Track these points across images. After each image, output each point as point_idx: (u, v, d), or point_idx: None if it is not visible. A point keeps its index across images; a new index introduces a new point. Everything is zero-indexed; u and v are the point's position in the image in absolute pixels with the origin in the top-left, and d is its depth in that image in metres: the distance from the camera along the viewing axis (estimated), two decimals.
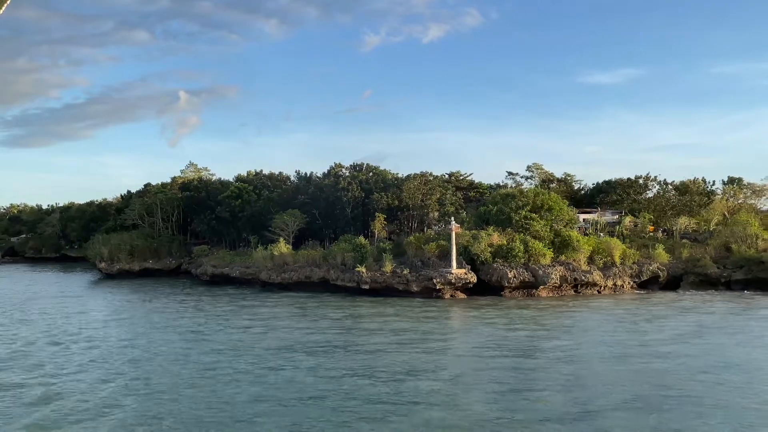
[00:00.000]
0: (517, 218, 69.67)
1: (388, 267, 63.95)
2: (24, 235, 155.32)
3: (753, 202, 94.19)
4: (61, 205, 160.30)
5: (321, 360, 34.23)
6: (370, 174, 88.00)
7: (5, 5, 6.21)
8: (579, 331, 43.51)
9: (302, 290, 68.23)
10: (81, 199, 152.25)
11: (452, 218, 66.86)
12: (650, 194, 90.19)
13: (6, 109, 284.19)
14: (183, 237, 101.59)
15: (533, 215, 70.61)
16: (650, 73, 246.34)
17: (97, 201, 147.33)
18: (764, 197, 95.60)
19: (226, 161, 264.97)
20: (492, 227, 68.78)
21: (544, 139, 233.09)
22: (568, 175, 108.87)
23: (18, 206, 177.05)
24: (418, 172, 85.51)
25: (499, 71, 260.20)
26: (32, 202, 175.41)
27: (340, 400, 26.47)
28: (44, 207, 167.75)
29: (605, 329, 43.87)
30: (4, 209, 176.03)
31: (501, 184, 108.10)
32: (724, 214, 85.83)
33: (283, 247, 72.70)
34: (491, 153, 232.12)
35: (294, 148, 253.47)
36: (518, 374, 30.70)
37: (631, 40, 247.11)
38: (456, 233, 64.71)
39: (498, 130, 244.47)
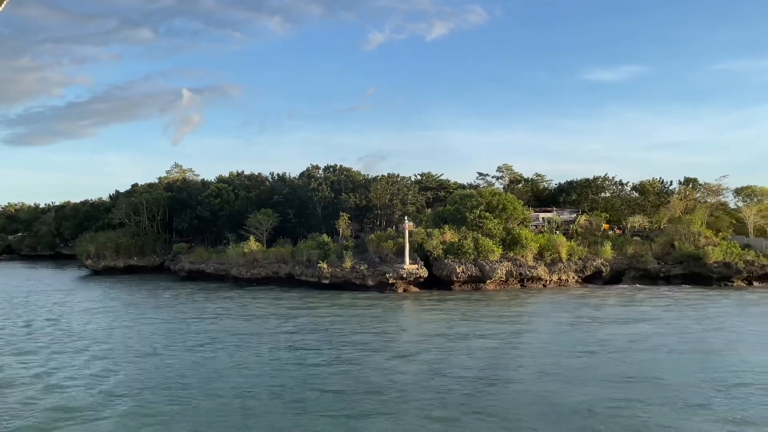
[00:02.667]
0: (472, 217, 74.33)
1: (348, 263, 68.73)
2: (20, 234, 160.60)
3: (712, 200, 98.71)
4: (57, 203, 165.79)
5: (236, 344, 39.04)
6: (343, 175, 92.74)
7: (5, 2, 6.05)
8: (472, 313, 48.27)
9: (270, 285, 73.02)
10: (84, 198, 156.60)
11: (406, 217, 71.51)
12: (607, 194, 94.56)
13: (9, 107, 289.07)
14: (168, 235, 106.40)
15: (487, 214, 75.20)
16: (653, 70, 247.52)
17: (91, 200, 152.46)
18: (721, 196, 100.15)
19: (229, 159, 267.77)
20: (447, 226, 73.55)
21: (547, 137, 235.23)
22: (539, 175, 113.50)
23: (15, 205, 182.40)
24: (385, 174, 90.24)
25: (502, 69, 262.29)
26: (32, 201, 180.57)
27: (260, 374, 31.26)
28: (41, 206, 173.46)
29: (495, 313, 48.70)
30: (2, 208, 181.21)
31: (473, 184, 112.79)
32: (680, 213, 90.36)
33: (253, 244, 77.54)
34: (494, 151, 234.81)
35: (296, 146, 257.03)
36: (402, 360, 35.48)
37: (633, 37, 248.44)
38: (411, 231, 69.57)
39: (501, 128, 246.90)
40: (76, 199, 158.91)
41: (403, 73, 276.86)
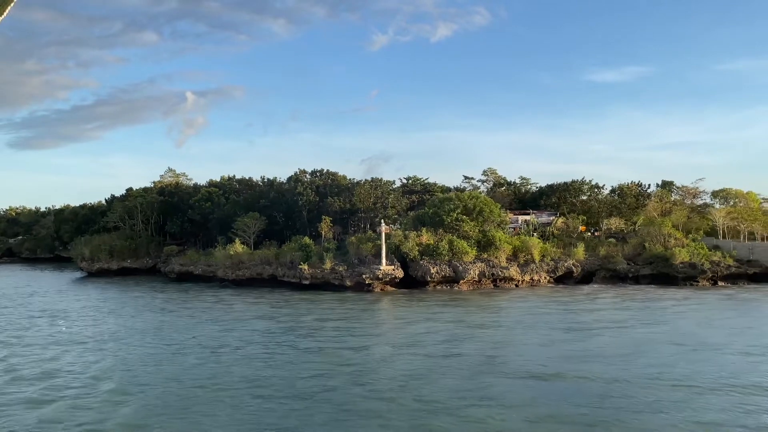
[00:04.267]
0: (449, 220, 77.17)
1: (328, 264, 71.62)
2: (21, 237, 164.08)
3: (688, 202, 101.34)
4: (57, 207, 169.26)
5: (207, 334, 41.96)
6: (329, 180, 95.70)
7: (10, 6, 5.82)
8: (427, 311, 51.10)
9: (254, 286, 75.92)
10: (87, 201, 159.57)
11: (382, 221, 74.36)
12: (584, 197, 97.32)
13: (14, 110, 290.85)
14: (161, 238, 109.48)
15: (465, 217, 78.04)
16: (657, 70, 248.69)
17: (89, 203, 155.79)
18: (699, 198, 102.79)
19: (232, 162, 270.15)
20: (425, 228, 76.43)
21: (550, 137, 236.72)
22: (524, 179, 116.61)
23: (16, 209, 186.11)
24: (369, 178, 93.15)
25: (506, 70, 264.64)
26: (36, 204, 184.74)
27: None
28: (41, 209, 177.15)
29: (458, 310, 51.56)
30: (3, 212, 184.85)
31: (459, 186, 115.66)
32: (656, 216, 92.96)
33: (238, 247, 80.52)
34: (497, 152, 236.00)
35: (299, 148, 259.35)
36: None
37: (637, 37, 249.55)
38: (389, 233, 72.49)
39: (504, 129, 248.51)
40: (80, 202, 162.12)
41: (407, 74, 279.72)
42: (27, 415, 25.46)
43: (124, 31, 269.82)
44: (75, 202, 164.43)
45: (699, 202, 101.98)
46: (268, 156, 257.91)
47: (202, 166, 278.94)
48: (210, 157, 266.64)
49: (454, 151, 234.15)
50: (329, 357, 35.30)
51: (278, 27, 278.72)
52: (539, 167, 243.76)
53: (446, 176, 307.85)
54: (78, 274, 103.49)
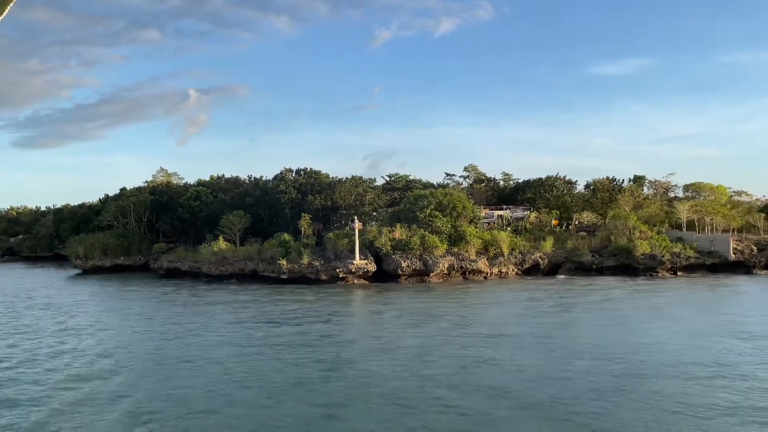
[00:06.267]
0: (422, 216, 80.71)
1: (306, 259, 75.30)
2: (21, 236, 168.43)
3: (660, 196, 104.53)
4: (57, 206, 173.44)
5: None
6: (311, 178, 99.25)
7: (9, 5, 5.75)
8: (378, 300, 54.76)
9: (237, 280, 79.67)
10: (86, 201, 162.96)
11: (356, 217, 77.96)
12: (557, 193, 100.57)
13: (18, 110, 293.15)
14: (153, 236, 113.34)
15: (438, 213, 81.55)
16: (659, 63, 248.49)
17: (88, 203, 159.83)
18: (671, 192, 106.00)
19: (235, 160, 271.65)
20: (400, 224, 80.00)
21: (553, 131, 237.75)
22: (506, 174, 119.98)
23: (17, 208, 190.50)
24: (350, 176, 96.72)
25: (509, 64, 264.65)
26: (39, 203, 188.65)
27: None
28: (42, 209, 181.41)
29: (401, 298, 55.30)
30: (5, 211, 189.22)
31: (442, 183, 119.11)
32: (628, 210, 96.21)
33: (222, 244, 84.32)
34: (500, 147, 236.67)
35: (302, 146, 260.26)
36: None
37: (639, 30, 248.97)
38: (363, 230, 76.18)
39: (507, 123, 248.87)
40: (83, 201, 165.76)
41: (411, 70, 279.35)
42: None
43: (126, 29, 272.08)
44: (77, 201, 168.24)
45: (672, 195, 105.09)
46: (270, 154, 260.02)
47: (205, 165, 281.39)
48: (212, 155, 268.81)
49: (457, 146, 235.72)
50: (260, 335, 39.05)
51: (281, 24, 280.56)
52: (543, 162, 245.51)
53: (448, 171, 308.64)
54: (72, 272, 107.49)
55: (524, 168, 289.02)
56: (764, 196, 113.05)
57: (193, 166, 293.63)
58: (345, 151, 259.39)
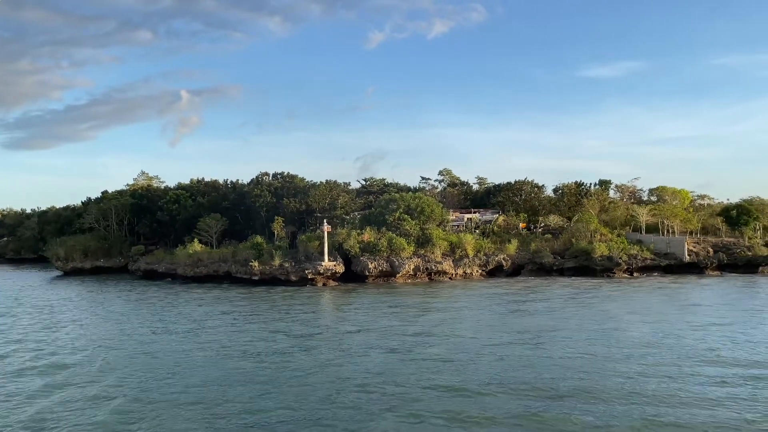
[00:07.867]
0: (391, 219, 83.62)
1: (277, 261, 77.97)
2: (5, 238, 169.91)
3: (625, 199, 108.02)
4: (42, 209, 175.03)
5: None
6: (287, 182, 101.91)
7: None
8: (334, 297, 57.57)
9: (210, 282, 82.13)
10: (71, 203, 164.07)
11: (325, 221, 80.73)
12: (524, 197, 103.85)
13: (8, 111, 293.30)
14: (133, 238, 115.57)
15: (406, 216, 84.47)
16: (651, 65, 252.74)
17: (72, 205, 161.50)
18: (636, 195, 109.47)
19: (227, 161, 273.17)
20: (369, 227, 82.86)
21: (545, 133, 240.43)
22: (480, 178, 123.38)
23: (2, 210, 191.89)
24: (324, 180, 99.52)
25: (501, 66, 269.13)
26: (26, 205, 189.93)
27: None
28: (27, 211, 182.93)
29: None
30: None
31: (418, 187, 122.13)
32: (594, 213, 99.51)
33: (197, 246, 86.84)
34: (493, 148, 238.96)
35: (294, 147, 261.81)
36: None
37: (630, 32, 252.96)
38: (332, 232, 79.00)
39: (499, 125, 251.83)
40: (72, 203, 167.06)
41: (404, 71, 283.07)
42: None
43: (118, 29, 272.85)
44: (67, 203, 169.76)
45: (640, 198, 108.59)
46: (262, 155, 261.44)
47: (196, 166, 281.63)
48: (204, 156, 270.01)
49: (449, 147, 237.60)
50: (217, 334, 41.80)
51: (274, 25, 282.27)
52: (535, 163, 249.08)
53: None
54: (53, 274, 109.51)
55: (516, 169, 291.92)
56: (728, 200, 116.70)
57: (184, 167, 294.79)
58: (337, 152, 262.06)
